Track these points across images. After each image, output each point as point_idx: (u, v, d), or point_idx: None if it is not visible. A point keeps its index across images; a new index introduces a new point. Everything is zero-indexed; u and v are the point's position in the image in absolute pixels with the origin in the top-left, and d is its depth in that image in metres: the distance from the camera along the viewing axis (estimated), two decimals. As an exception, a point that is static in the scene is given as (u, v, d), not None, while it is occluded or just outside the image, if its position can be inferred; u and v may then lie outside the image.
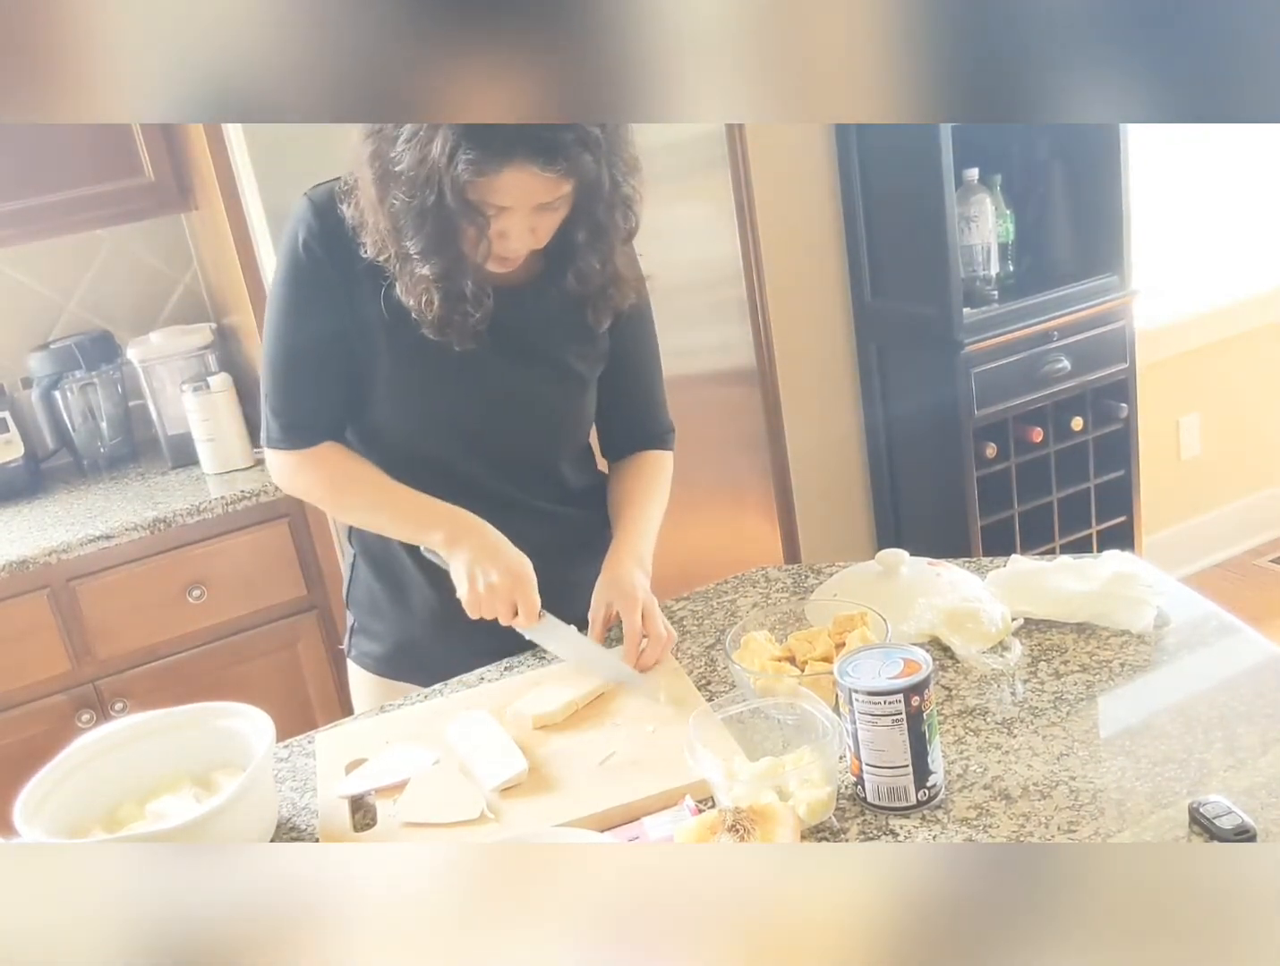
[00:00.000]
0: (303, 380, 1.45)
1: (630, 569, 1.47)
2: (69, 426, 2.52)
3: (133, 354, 2.50)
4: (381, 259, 1.35)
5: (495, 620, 1.42)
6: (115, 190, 2.35)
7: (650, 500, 1.57)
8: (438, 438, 1.49)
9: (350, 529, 1.60)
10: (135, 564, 2.22)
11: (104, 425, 2.54)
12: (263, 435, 1.50)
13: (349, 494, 1.50)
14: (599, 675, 1.40)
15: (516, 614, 1.41)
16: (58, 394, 2.50)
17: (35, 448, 2.55)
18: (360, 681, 1.66)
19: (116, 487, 2.45)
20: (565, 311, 1.46)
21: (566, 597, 1.47)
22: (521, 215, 1.30)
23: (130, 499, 2.36)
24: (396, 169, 1.27)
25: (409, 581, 1.55)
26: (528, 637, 1.44)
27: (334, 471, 1.49)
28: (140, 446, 2.64)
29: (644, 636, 1.42)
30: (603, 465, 1.67)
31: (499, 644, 1.48)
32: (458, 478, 1.50)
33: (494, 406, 1.48)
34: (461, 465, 1.51)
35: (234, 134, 2.13)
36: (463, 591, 1.40)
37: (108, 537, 2.19)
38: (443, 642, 1.54)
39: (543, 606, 1.43)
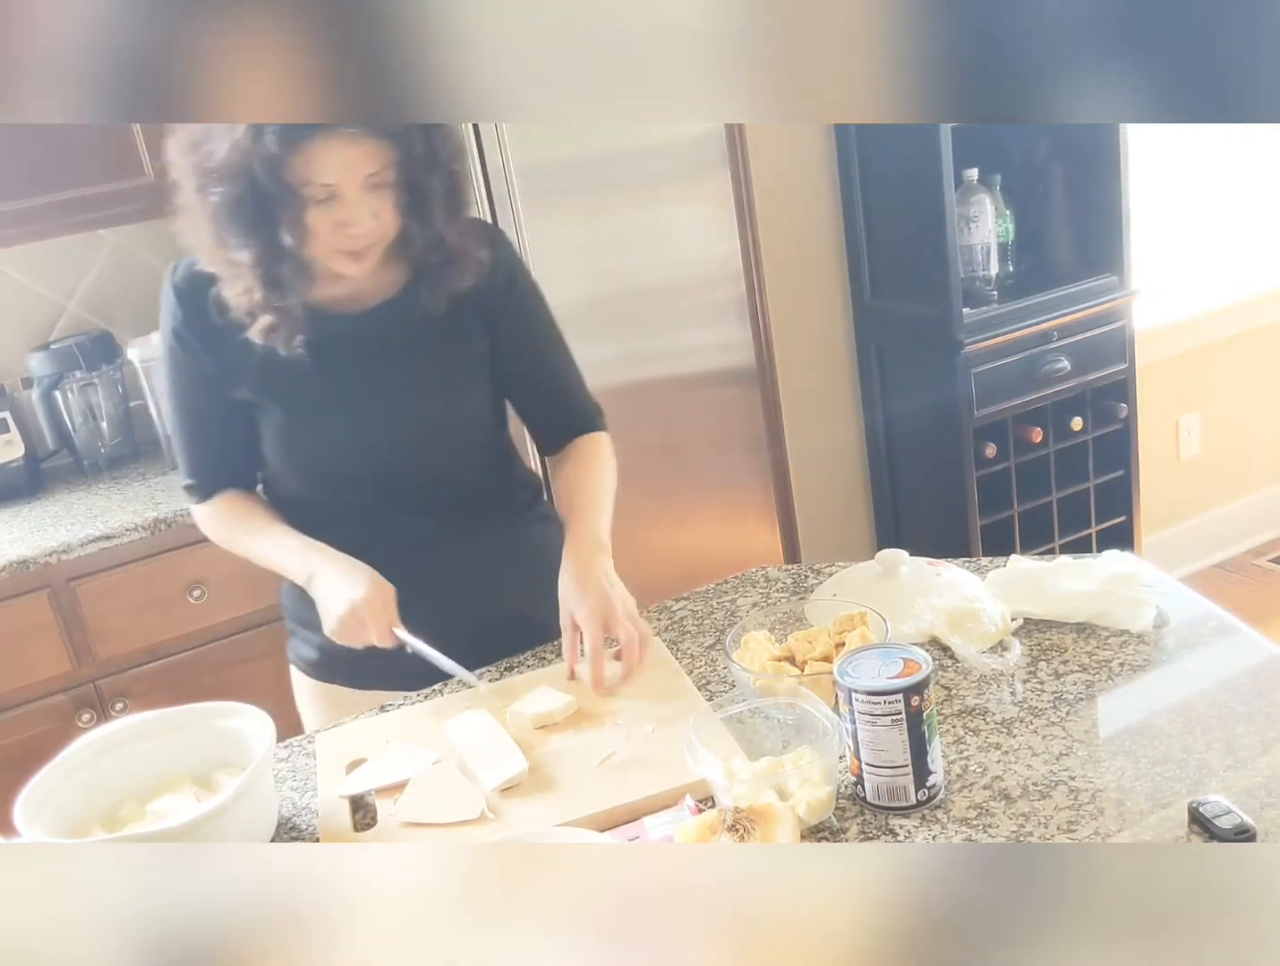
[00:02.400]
0: (193, 445, 1.52)
1: (590, 560, 1.43)
2: (69, 426, 2.52)
3: (133, 354, 2.50)
4: (212, 270, 1.37)
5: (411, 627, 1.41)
6: (115, 190, 2.35)
7: (596, 480, 1.55)
8: (324, 476, 1.51)
9: None
10: (135, 564, 2.22)
11: (104, 425, 2.54)
12: None
13: (236, 544, 1.54)
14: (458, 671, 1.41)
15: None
16: (58, 394, 2.50)
17: (36, 447, 2.55)
18: (299, 685, 1.67)
19: (117, 487, 2.45)
20: (426, 321, 1.45)
21: (492, 596, 1.48)
22: (354, 195, 1.29)
23: (131, 499, 2.36)
24: (210, 165, 1.28)
25: None
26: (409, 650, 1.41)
27: (227, 520, 1.54)
28: (141, 446, 2.64)
29: (613, 641, 1.40)
30: (528, 458, 1.69)
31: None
32: (349, 508, 1.52)
33: (368, 434, 1.48)
34: (349, 497, 1.51)
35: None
36: (326, 625, 1.40)
37: (108, 538, 2.19)
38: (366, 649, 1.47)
39: (463, 606, 1.45)
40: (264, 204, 1.28)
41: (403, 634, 1.38)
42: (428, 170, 1.33)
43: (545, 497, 1.71)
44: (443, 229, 1.38)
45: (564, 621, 1.43)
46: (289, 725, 1.49)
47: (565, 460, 1.60)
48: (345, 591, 1.37)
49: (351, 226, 1.31)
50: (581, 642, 1.42)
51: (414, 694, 1.49)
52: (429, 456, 1.51)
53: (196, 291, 1.42)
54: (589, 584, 1.41)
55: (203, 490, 1.54)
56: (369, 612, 1.36)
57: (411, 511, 1.52)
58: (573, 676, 1.42)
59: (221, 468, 1.53)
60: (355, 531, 1.50)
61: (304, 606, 1.52)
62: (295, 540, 1.47)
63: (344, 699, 1.55)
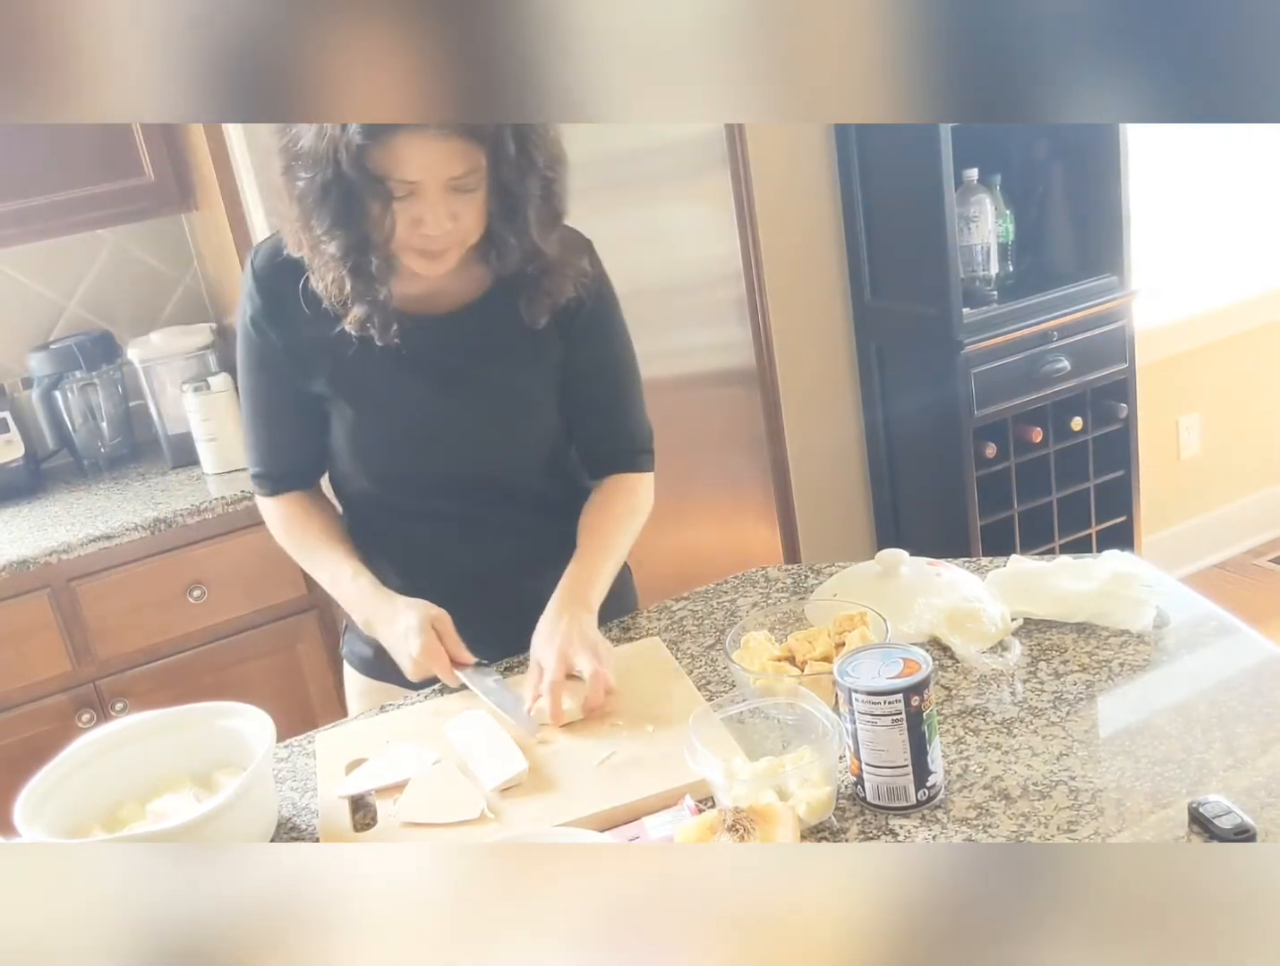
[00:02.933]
0: (263, 434, 1.51)
1: (566, 613, 1.40)
2: (69, 426, 2.52)
3: (133, 354, 2.50)
4: (299, 255, 1.35)
5: (474, 628, 1.41)
6: (115, 190, 2.35)
7: (612, 532, 1.51)
8: (390, 476, 1.50)
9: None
10: (135, 564, 2.22)
11: (104, 425, 2.54)
12: None
13: (298, 559, 1.54)
14: (509, 723, 1.35)
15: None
16: (58, 394, 2.50)
17: (35, 447, 2.55)
18: (351, 681, 1.66)
19: (117, 487, 2.45)
20: (508, 329, 1.44)
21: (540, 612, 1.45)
22: (434, 195, 1.26)
23: (130, 499, 2.36)
24: (298, 147, 1.26)
25: (390, 587, 1.51)
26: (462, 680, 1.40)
27: (289, 526, 1.53)
28: (140, 446, 2.64)
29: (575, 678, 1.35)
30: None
31: (479, 651, 1.47)
32: (416, 509, 1.51)
33: (435, 437, 1.47)
34: (416, 499, 1.51)
35: (234, 134, 2.13)
36: (403, 668, 1.41)
37: (108, 537, 2.19)
38: None
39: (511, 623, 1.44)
40: (349, 193, 1.26)
41: (463, 675, 1.39)
42: (521, 177, 1.29)
43: None
44: (539, 238, 1.34)
45: (531, 666, 1.39)
46: (289, 725, 1.49)
47: (595, 496, 1.55)
48: (401, 645, 1.38)
49: (426, 226, 1.28)
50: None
51: (414, 694, 1.49)
52: (496, 463, 1.50)
53: (277, 279, 1.40)
54: (558, 629, 1.38)
55: (271, 481, 1.52)
56: (430, 660, 1.36)
57: (475, 516, 1.51)
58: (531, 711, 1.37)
59: (289, 459, 1.52)
60: (418, 532, 1.51)
61: None
62: (347, 580, 1.45)
63: (397, 697, 1.54)
